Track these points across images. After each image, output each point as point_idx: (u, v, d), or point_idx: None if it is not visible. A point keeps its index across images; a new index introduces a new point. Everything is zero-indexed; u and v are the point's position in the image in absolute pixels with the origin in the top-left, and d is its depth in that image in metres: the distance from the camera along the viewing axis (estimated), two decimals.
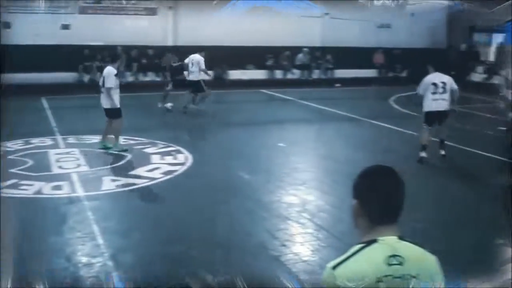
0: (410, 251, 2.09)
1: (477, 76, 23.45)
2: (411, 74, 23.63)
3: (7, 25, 18.89)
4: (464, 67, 23.48)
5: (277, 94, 16.22)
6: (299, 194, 8.54)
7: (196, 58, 15.23)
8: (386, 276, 2.00)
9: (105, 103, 10.69)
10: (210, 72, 16.46)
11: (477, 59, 24.25)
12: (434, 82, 10.57)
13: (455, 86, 10.65)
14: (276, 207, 7.91)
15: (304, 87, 20.71)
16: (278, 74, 22.56)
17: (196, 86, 15.27)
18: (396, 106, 17.76)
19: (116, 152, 10.64)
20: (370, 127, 14.25)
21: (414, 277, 2.04)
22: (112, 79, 10.51)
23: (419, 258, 2.10)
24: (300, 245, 6.59)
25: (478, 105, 18.60)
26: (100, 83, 10.73)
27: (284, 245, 6.50)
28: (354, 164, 10.24)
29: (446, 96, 10.53)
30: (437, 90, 10.55)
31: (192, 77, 15.16)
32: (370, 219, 2.12)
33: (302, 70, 22.84)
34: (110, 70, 10.60)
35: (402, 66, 24.02)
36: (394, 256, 2.04)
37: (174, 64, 15.79)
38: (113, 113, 10.70)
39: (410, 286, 2.03)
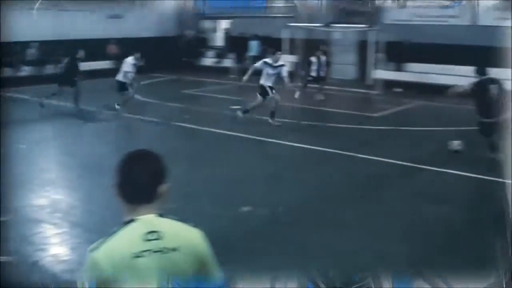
0: (170, 226, 2.25)
1: (208, 60, 25.00)
2: (146, 63, 24.10)
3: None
4: (194, 53, 24.89)
5: (7, 94, 15.12)
6: (48, 195, 8.34)
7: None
8: (144, 251, 2.15)
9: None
10: None
11: (205, 45, 25.82)
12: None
13: None
14: (27, 212, 7.60)
15: (38, 84, 19.61)
16: (8, 71, 20.85)
17: None
18: (136, 96, 18.00)
19: None
20: (114, 119, 14.31)
21: (174, 249, 2.20)
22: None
23: (179, 232, 2.26)
24: (58, 246, 6.51)
25: (212, 88, 19.99)
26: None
27: (40, 249, 6.34)
28: (97, 158, 10.29)
29: None
30: None
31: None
32: (126, 200, 2.26)
33: (34, 66, 21.63)
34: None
35: None
36: (152, 232, 2.18)
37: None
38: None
39: (171, 259, 2.18)
